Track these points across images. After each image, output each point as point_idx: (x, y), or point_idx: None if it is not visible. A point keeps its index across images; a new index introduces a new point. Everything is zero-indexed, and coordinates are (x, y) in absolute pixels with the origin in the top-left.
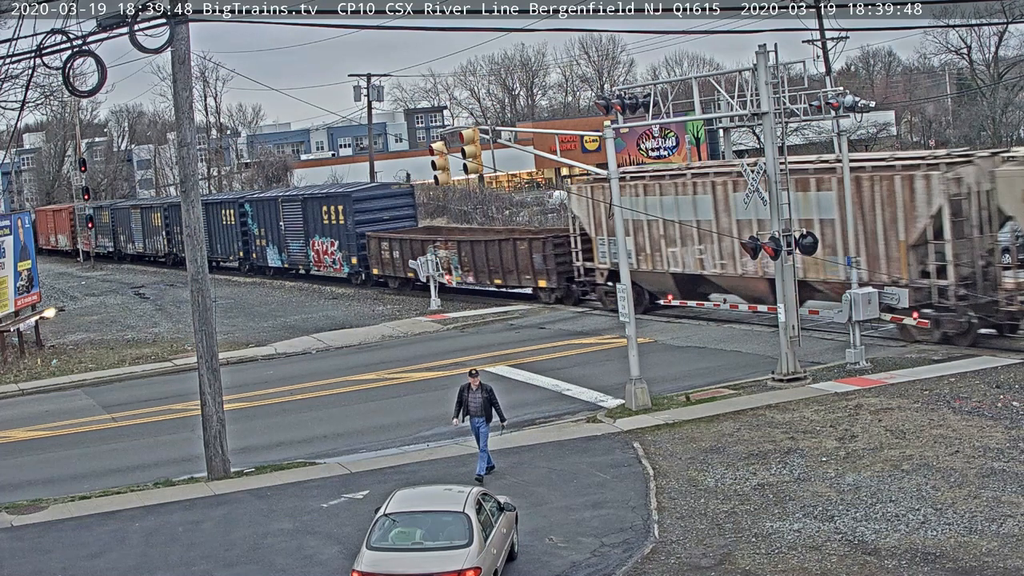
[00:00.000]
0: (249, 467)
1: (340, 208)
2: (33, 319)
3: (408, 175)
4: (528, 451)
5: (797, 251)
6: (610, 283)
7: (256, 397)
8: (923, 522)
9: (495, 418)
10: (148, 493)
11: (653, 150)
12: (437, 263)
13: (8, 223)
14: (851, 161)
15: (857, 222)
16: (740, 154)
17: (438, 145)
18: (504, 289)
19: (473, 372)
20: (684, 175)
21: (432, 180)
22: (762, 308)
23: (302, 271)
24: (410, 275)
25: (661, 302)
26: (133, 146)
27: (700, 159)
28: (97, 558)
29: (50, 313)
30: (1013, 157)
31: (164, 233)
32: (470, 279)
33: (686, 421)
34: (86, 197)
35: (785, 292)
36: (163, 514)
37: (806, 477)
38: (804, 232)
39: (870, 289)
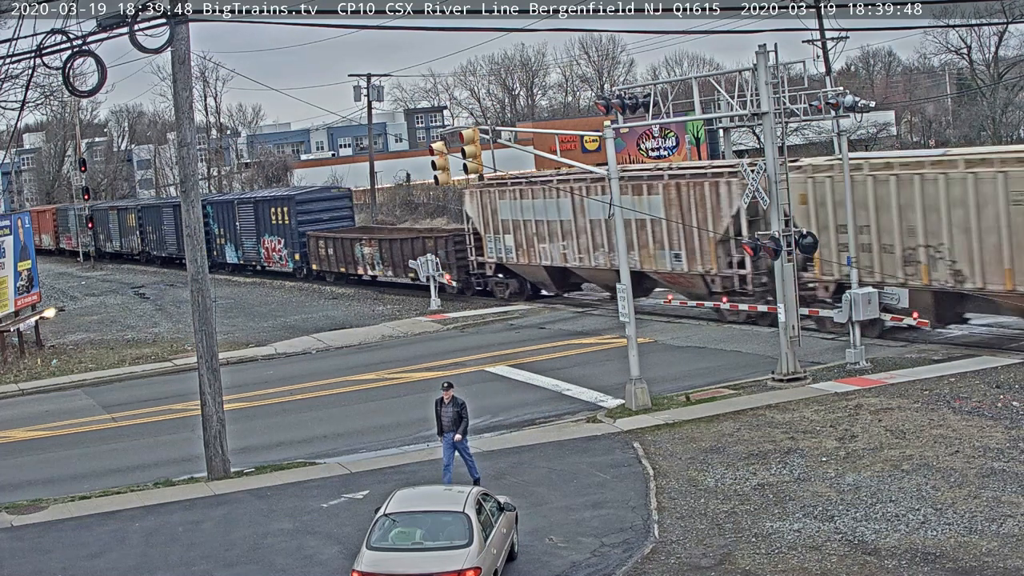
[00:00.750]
0: (249, 467)
1: (286, 210)
2: (33, 319)
3: (408, 175)
4: (528, 451)
5: (797, 250)
6: (499, 275)
7: (256, 397)
8: (923, 522)
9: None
10: (148, 493)
11: (653, 150)
12: (437, 263)
13: (8, 223)
14: (674, 169)
15: (679, 221)
16: (740, 154)
17: (438, 145)
18: (416, 282)
19: (446, 384)
20: (551, 181)
21: (432, 180)
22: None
23: (256, 267)
24: (342, 269)
25: (544, 292)
26: (133, 146)
27: (700, 159)
28: (97, 558)
29: (50, 313)
30: (800, 167)
31: (138, 233)
32: (389, 272)
33: (686, 421)
34: (86, 197)
35: (785, 292)
36: (163, 514)
37: (806, 477)
38: (804, 232)
39: (870, 290)
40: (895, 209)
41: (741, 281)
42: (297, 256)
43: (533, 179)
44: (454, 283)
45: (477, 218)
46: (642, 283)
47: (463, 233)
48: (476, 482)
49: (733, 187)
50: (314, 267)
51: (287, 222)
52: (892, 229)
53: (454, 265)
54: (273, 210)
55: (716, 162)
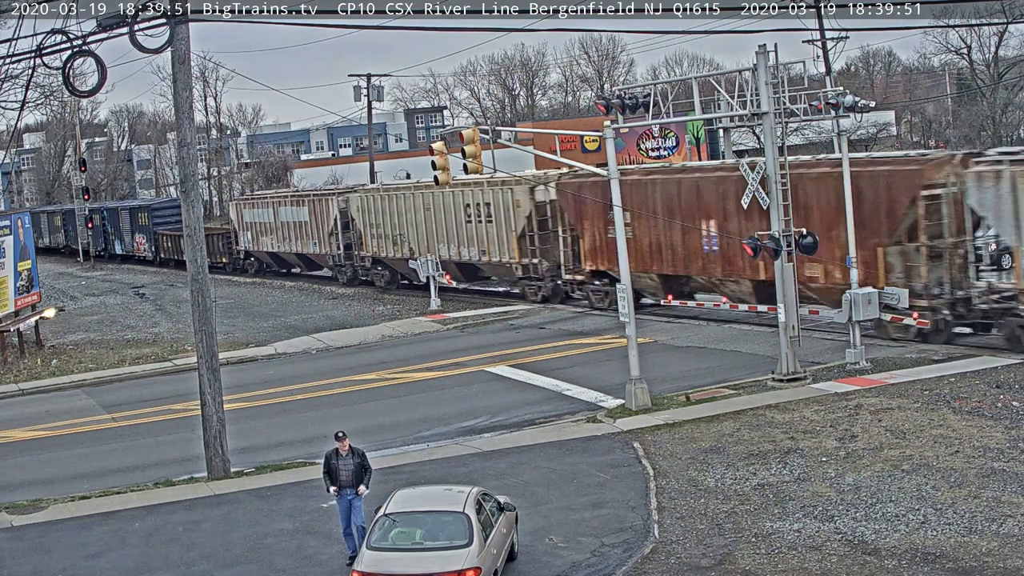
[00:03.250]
0: (249, 467)
1: (146, 215)
2: (33, 319)
3: (408, 175)
4: (528, 451)
5: (796, 251)
6: (251, 258)
7: (256, 397)
8: (923, 522)
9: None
10: (148, 493)
11: (653, 150)
12: (437, 263)
13: (8, 223)
14: (316, 190)
15: (313, 224)
16: (740, 154)
17: (438, 145)
18: (217, 264)
19: (340, 434)
20: (267, 198)
21: (432, 180)
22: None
23: (134, 256)
24: (175, 257)
25: (282, 270)
26: (133, 146)
27: (700, 159)
28: (97, 558)
29: (50, 313)
30: (365, 187)
31: (63, 231)
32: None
33: (686, 421)
34: (86, 197)
35: (785, 292)
36: (163, 514)
37: (806, 477)
38: (804, 232)
39: (870, 290)
40: (391, 214)
41: (342, 257)
42: (153, 248)
43: (259, 197)
44: (226, 262)
45: (235, 221)
46: (313, 264)
47: (229, 231)
48: (351, 560)
49: (335, 202)
50: (162, 255)
51: (147, 223)
52: (388, 224)
53: (226, 252)
54: (140, 215)
55: (350, 185)
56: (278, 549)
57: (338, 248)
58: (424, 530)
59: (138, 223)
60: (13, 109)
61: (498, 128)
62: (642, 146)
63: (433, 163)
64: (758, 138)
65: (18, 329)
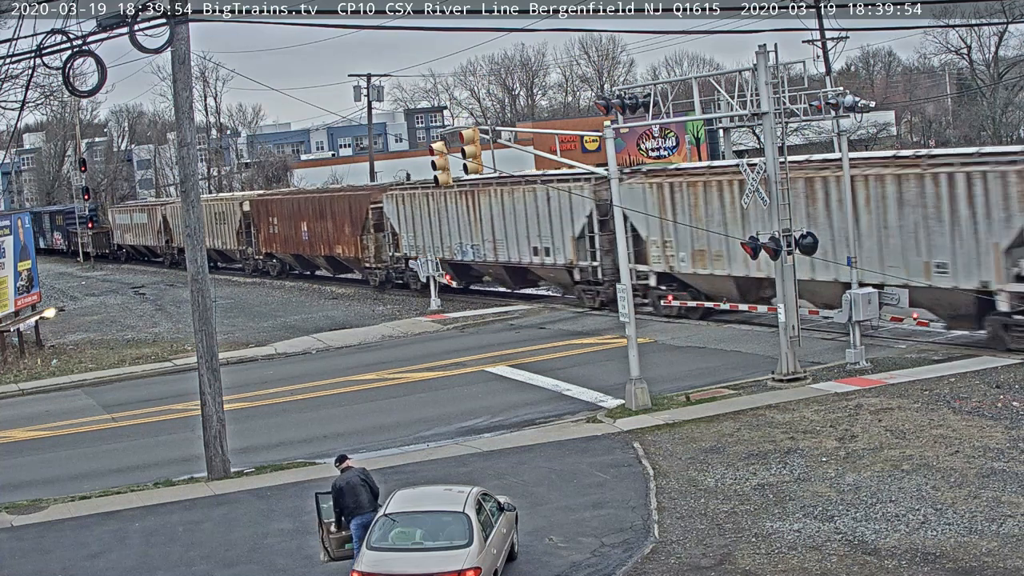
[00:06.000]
0: (249, 467)
1: (61, 217)
2: (33, 319)
3: (408, 175)
4: (528, 451)
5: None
6: (122, 249)
7: (256, 397)
8: (923, 522)
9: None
10: (148, 493)
11: (653, 150)
12: (437, 263)
13: (8, 223)
14: (149, 202)
15: (150, 225)
16: (740, 154)
17: (438, 145)
18: (95, 253)
19: (342, 458)
20: (127, 207)
21: (432, 180)
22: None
23: (53, 248)
24: (82, 249)
25: (143, 257)
26: (133, 146)
27: (700, 159)
28: (97, 558)
29: (50, 313)
30: (177, 200)
31: None
32: (93, 249)
33: (686, 421)
34: (86, 197)
35: (785, 292)
36: (163, 514)
37: (806, 477)
38: (805, 232)
39: (870, 290)
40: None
41: (166, 248)
42: (68, 242)
43: (122, 206)
44: (108, 252)
45: (111, 222)
46: (154, 252)
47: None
48: None
49: (159, 210)
50: (71, 248)
51: (62, 224)
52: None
53: (107, 245)
54: (57, 217)
55: (170, 197)
56: (278, 549)
57: (163, 242)
58: (424, 530)
59: (55, 223)
60: (13, 109)
61: (498, 128)
62: (642, 146)
63: (433, 163)
64: (758, 138)
65: (18, 329)
